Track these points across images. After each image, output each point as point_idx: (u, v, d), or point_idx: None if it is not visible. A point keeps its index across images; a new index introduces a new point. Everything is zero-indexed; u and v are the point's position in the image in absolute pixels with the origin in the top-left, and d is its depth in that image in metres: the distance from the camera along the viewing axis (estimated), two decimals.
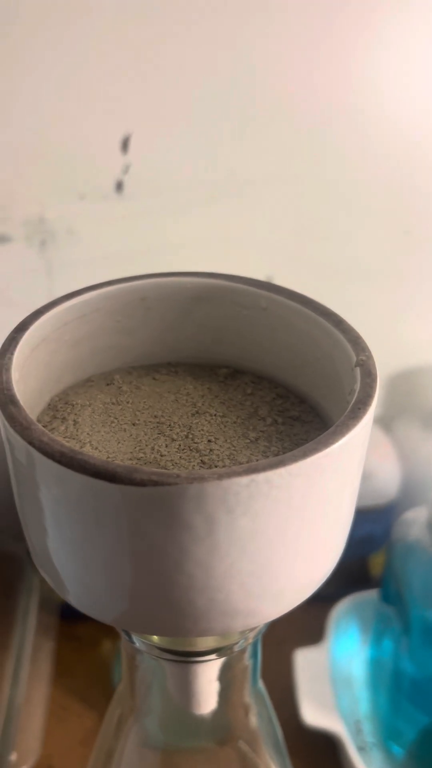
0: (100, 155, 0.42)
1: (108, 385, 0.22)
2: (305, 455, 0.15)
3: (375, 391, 0.17)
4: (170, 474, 0.15)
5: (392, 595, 0.41)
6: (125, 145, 0.42)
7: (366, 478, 0.48)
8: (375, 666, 0.43)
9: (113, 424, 0.20)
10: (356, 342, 0.19)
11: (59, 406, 0.21)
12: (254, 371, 0.23)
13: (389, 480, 0.47)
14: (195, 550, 0.16)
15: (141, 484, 0.15)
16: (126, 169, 0.42)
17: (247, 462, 0.18)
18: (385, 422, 0.51)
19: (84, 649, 0.47)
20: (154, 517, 0.15)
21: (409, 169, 0.47)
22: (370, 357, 0.19)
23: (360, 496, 0.51)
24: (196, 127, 0.43)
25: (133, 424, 0.20)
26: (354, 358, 0.19)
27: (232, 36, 0.41)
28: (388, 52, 0.43)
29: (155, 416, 0.20)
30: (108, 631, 0.47)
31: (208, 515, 0.15)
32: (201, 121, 0.43)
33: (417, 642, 0.39)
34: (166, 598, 0.17)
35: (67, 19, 0.38)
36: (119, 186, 0.43)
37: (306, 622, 0.45)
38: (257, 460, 0.18)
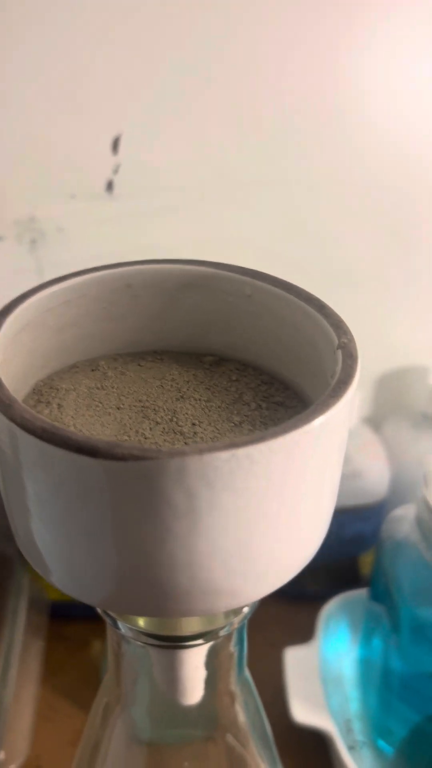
0: (90, 155, 0.42)
1: (93, 370, 0.22)
2: (285, 432, 0.16)
3: (356, 371, 0.18)
4: (151, 449, 0.15)
5: (381, 593, 0.41)
6: (116, 145, 0.42)
7: (356, 477, 0.49)
8: (365, 665, 0.43)
9: (97, 408, 0.20)
10: (338, 326, 0.19)
11: (44, 391, 0.21)
12: (239, 359, 0.23)
13: (379, 479, 0.47)
14: (176, 526, 0.16)
15: (122, 458, 0.15)
16: (116, 169, 0.43)
17: None
18: (374, 422, 0.51)
19: (73, 649, 0.47)
20: (135, 492, 0.15)
21: (398, 172, 0.47)
22: (351, 340, 0.19)
23: (350, 496, 0.51)
24: (186, 129, 0.43)
25: (118, 408, 0.20)
26: (336, 341, 0.19)
27: (225, 38, 0.41)
28: (378, 55, 0.44)
29: (140, 401, 0.20)
30: (97, 632, 0.47)
31: (189, 490, 0.15)
32: (192, 123, 0.43)
33: (407, 640, 0.39)
34: (149, 577, 0.17)
35: (58, 19, 0.38)
36: (110, 186, 0.43)
37: (296, 622, 0.45)
38: None
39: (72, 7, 0.38)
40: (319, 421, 0.16)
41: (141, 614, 0.19)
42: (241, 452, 0.15)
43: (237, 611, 0.22)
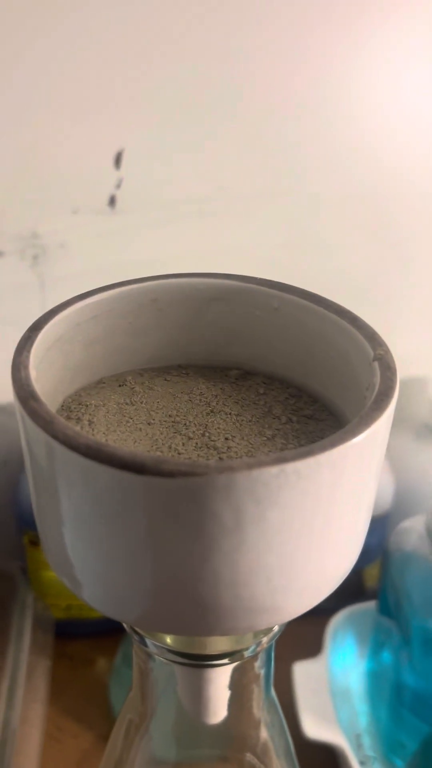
0: (93, 170, 0.42)
1: (120, 386, 0.22)
2: (333, 445, 0.15)
3: (396, 383, 0.18)
4: (199, 464, 0.15)
5: (390, 606, 0.41)
6: (118, 160, 0.42)
7: None
8: (373, 678, 0.43)
9: (128, 424, 0.20)
10: (372, 338, 0.19)
11: (73, 407, 0.20)
12: (265, 372, 0.23)
13: (383, 491, 0.47)
14: (222, 543, 0.16)
15: (169, 475, 0.15)
16: (119, 184, 0.43)
17: None
18: None
19: (79, 667, 0.46)
20: (181, 509, 0.15)
21: (397, 185, 0.48)
22: (387, 351, 0.19)
23: None
24: (187, 143, 0.43)
25: (149, 424, 0.20)
26: (372, 353, 0.19)
27: (224, 53, 0.41)
28: (376, 67, 0.44)
29: (170, 416, 0.20)
30: (102, 649, 0.47)
31: (237, 506, 0.15)
32: (192, 137, 0.43)
33: (418, 653, 0.39)
34: (191, 594, 0.16)
35: (59, 33, 0.38)
36: (112, 200, 0.43)
37: (301, 637, 0.45)
38: None
39: (75, 21, 0.38)
40: (364, 435, 0.16)
41: (180, 633, 0.19)
42: (290, 467, 0.15)
43: (266, 630, 0.22)
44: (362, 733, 0.41)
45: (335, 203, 0.47)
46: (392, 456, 0.48)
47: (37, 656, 0.43)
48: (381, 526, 0.47)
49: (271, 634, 0.22)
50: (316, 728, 0.39)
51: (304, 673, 0.42)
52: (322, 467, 0.15)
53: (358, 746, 0.41)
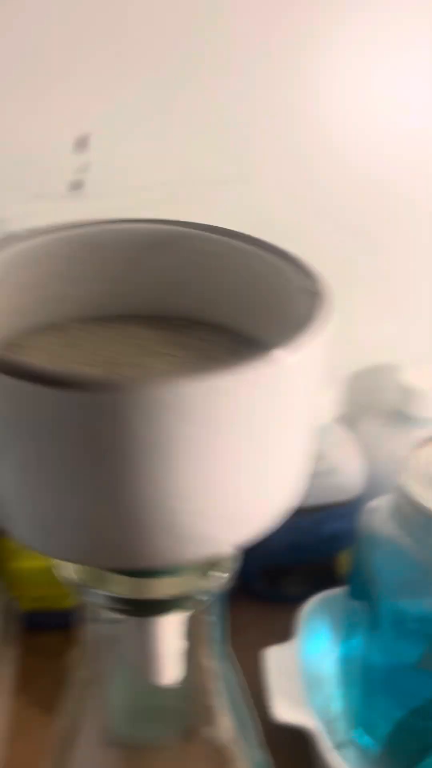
0: (57, 154, 0.42)
1: (60, 331, 0.21)
2: (254, 362, 0.15)
3: (326, 311, 0.17)
4: (115, 377, 0.15)
5: (361, 589, 0.40)
6: (83, 143, 0.42)
7: (331, 474, 0.48)
8: (346, 663, 0.43)
9: (67, 366, 0.20)
10: (309, 275, 0.19)
11: (9, 349, 0.20)
12: (210, 322, 0.23)
13: (354, 476, 0.47)
14: (142, 462, 0.15)
15: (83, 389, 0.14)
16: (85, 168, 0.43)
17: None
18: (348, 421, 0.51)
19: (46, 660, 0.45)
20: (97, 426, 0.15)
21: (366, 172, 0.48)
22: (322, 285, 0.18)
23: (325, 493, 0.50)
24: (155, 128, 0.43)
25: (89, 366, 0.20)
26: (309, 289, 0.18)
27: (192, 36, 0.41)
28: (341, 61, 0.44)
29: (112, 358, 0.20)
30: (72, 641, 0.46)
31: (156, 423, 0.15)
32: (160, 122, 0.43)
33: (387, 631, 0.38)
34: (114, 520, 0.16)
35: (25, 16, 0.38)
36: (78, 185, 0.43)
37: (273, 625, 0.44)
38: None
39: (40, 4, 0.38)
40: (289, 353, 0.16)
41: (108, 564, 0.18)
42: (210, 382, 0.15)
43: (214, 577, 0.21)
44: (336, 716, 0.41)
45: (302, 190, 0.47)
46: (363, 442, 0.48)
47: (3, 648, 0.42)
48: (352, 512, 0.47)
49: (220, 580, 0.21)
50: (286, 711, 0.39)
51: (274, 657, 0.41)
52: (243, 383, 0.15)
53: (331, 730, 0.40)
